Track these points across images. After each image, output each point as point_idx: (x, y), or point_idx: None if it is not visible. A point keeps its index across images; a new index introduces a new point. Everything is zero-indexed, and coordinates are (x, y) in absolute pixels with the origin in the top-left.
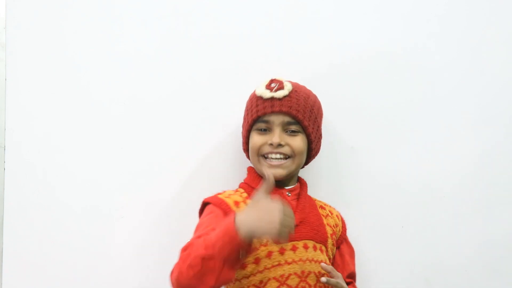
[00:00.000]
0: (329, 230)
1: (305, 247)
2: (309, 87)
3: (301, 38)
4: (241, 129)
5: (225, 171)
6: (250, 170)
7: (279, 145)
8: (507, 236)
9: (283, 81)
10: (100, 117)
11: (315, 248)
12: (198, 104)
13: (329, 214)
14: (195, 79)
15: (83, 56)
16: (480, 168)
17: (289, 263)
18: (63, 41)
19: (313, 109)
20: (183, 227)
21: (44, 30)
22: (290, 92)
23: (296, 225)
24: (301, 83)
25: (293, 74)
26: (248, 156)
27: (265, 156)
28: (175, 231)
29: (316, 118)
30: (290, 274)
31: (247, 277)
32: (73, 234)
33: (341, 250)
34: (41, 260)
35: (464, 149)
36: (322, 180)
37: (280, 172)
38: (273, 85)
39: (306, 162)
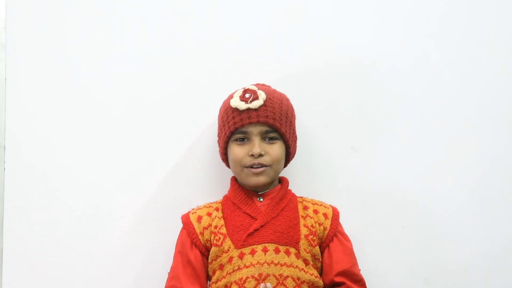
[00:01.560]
0: (304, 231)
1: (264, 250)
2: (309, 87)
3: (301, 38)
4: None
5: (225, 170)
6: (232, 182)
7: (260, 155)
8: (507, 236)
9: (257, 90)
10: (100, 117)
11: (277, 251)
12: (198, 104)
13: (310, 214)
14: (195, 79)
15: (83, 56)
16: (480, 168)
17: (247, 267)
18: (63, 41)
19: (287, 114)
20: None
21: (44, 30)
22: (265, 101)
23: (257, 229)
24: (301, 83)
25: (293, 74)
26: (227, 165)
27: (247, 167)
28: (176, 231)
29: (291, 122)
30: (247, 277)
31: (215, 282)
32: (73, 234)
33: (330, 248)
34: (41, 260)
35: (464, 149)
36: (321, 180)
37: (263, 180)
38: (247, 95)
39: (285, 165)
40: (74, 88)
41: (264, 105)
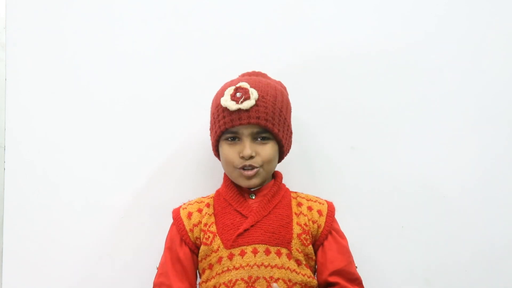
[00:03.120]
0: (296, 230)
1: (254, 252)
2: (309, 87)
3: (301, 37)
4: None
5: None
6: (225, 176)
7: (250, 157)
8: (507, 236)
9: (249, 89)
10: (100, 117)
11: (268, 252)
12: (198, 104)
13: (304, 212)
14: (195, 79)
15: (83, 56)
16: (480, 168)
17: (236, 269)
18: (63, 41)
19: (281, 112)
20: None
21: (44, 30)
22: (257, 101)
23: (247, 229)
24: (301, 83)
25: (292, 74)
26: (219, 159)
27: (238, 168)
28: None
29: (285, 119)
30: (237, 280)
31: (205, 281)
32: (73, 234)
33: (324, 246)
34: (41, 260)
35: (464, 149)
36: (321, 180)
37: (255, 182)
38: (238, 94)
39: (280, 159)
40: (74, 88)
41: (256, 105)
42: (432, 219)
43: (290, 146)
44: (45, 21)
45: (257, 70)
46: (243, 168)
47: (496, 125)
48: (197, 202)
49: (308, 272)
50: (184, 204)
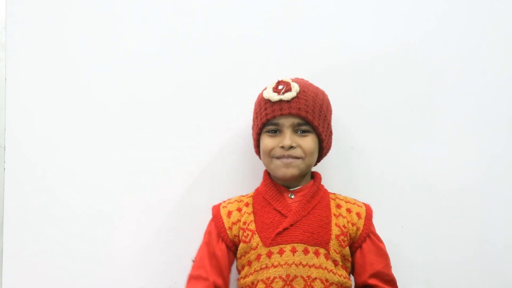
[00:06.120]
0: (335, 231)
1: (293, 250)
2: None
3: (301, 38)
4: (247, 129)
5: (225, 171)
6: (265, 175)
7: (291, 147)
8: (507, 236)
9: (290, 82)
10: (100, 117)
11: (306, 251)
12: (198, 104)
13: (343, 213)
14: (195, 79)
15: (83, 56)
16: (481, 168)
17: (275, 266)
18: (63, 41)
19: (322, 108)
20: (184, 227)
21: (44, 30)
22: (298, 93)
23: (286, 228)
24: None
25: (292, 74)
26: (260, 158)
27: (276, 157)
28: (176, 231)
29: (325, 116)
30: (275, 277)
31: (243, 278)
32: (73, 234)
33: (363, 249)
34: (41, 261)
35: (464, 149)
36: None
37: (293, 172)
38: (280, 87)
39: (318, 160)
40: (74, 88)
41: (297, 97)
42: (432, 219)
43: (329, 146)
44: (45, 21)
45: (257, 70)
46: (282, 158)
47: (496, 125)
48: (237, 201)
49: (344, 273)
50: (224, 202)
